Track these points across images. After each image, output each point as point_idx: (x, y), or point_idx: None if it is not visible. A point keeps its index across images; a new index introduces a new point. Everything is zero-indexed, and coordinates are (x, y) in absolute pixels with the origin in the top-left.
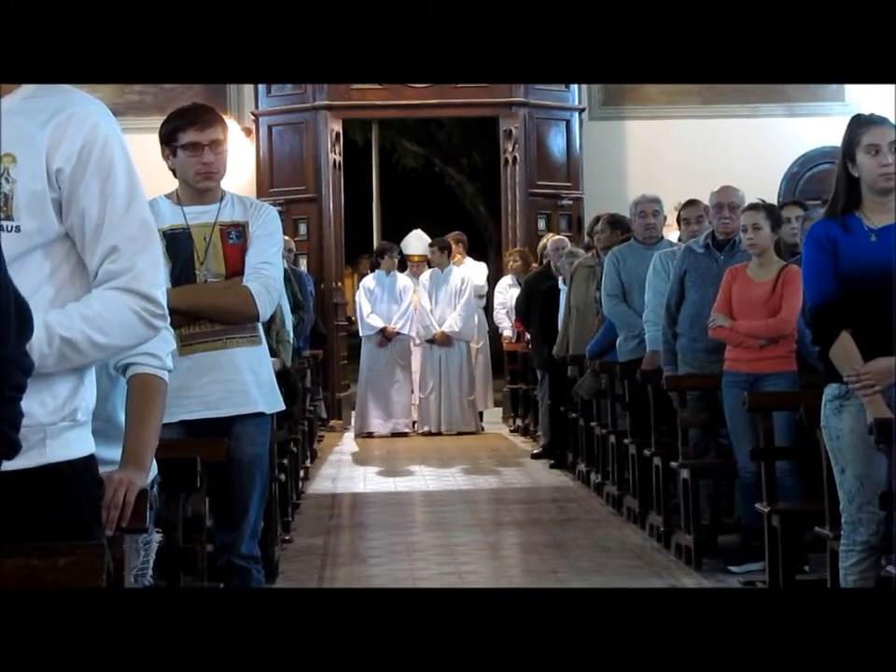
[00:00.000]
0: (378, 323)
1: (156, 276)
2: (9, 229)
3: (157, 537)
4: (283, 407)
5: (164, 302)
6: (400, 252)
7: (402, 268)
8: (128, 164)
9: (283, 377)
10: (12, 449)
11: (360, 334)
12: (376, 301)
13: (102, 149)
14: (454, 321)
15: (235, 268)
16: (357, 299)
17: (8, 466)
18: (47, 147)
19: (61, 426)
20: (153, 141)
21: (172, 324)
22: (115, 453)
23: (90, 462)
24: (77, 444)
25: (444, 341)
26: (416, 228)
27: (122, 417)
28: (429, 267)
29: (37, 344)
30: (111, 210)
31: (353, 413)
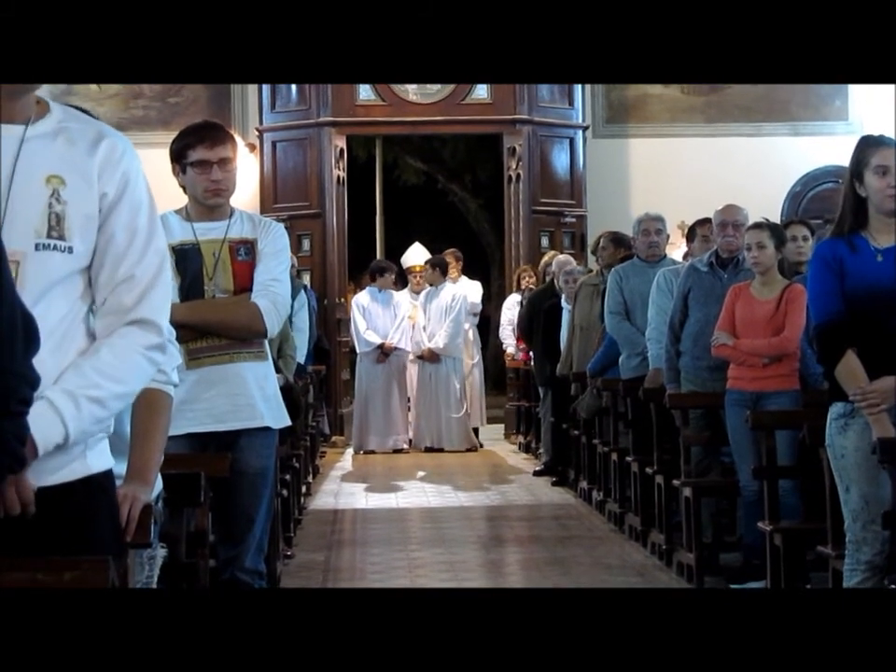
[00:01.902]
0: (376, 339)
1: (165, 307)
2: (62, 249)
3: (161, 552)
4: (289, 422)
5: (167, 334)
6: (399, 269)
7: (403, 284)
8: (151, 199)
9: (285, 393)
10: (18, 463)
11: (357, 351)
12: (371, 317)
13: (136, 182)
14: (439, 338)
15: (243, 284)
16: (351, 316)
17: (54, 479)
18: (98, 171)
19: (98, 436)
20: (157, 156)
21: (180, 338)
22: (122, 466)
23: (112, 473)
24: (107, 455)
25: (431, 357)
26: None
27: (129, 431)
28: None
29: (67, 413)
30: (136, 242)
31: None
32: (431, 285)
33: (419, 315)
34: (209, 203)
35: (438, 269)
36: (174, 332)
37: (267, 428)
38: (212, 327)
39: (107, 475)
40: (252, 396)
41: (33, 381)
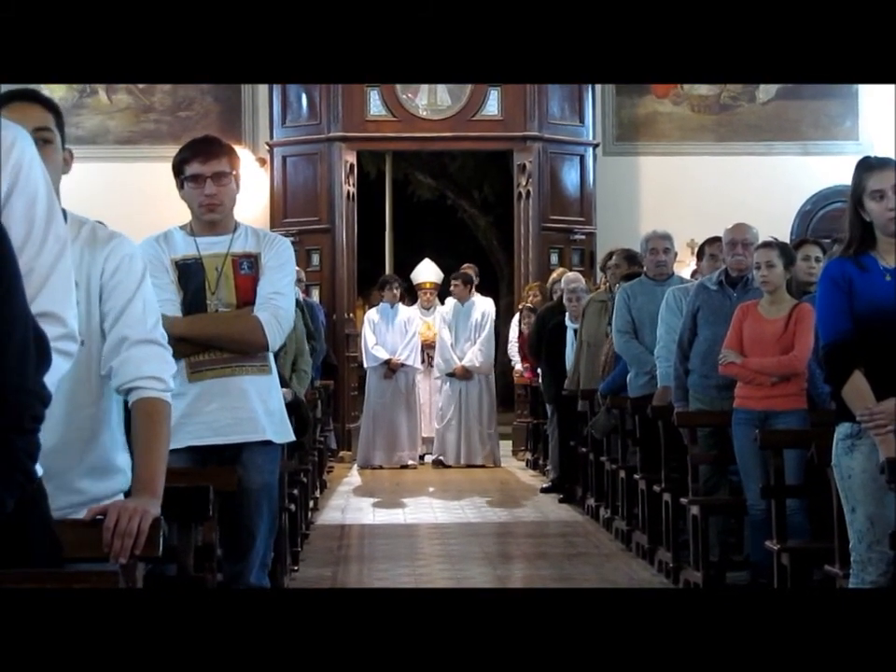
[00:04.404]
0: (383, 355)
1: (67, 296)
2: None
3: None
4: (293, 438)
5: (75, 324)
6: (404, 284)
7: (413, 299)
8: (48, 187)
9: (294, 407)
10: (29, 480)
11: (365, 366)
12: (380, 333)
13: (28, 172)
14: (474, 355)
15: (247, 298)
16: (362, 331)
17: None
18: None
19: None
20: (167, 169)
21: (182, 352)
22: (103, 486)
23: (42, 483)
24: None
25: (465, 374)
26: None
27: (113, 454)
28: (439, 298)
29: None
30: (34, 233)
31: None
32: (459, 300)
33: (445, 332)
34: (204, 218)
35: (468, 285)
36: (166, 336)
37: (269, 443)
38: (212, 340)
39: (38, 486)
40: (254, 409)
41: (45, 398)
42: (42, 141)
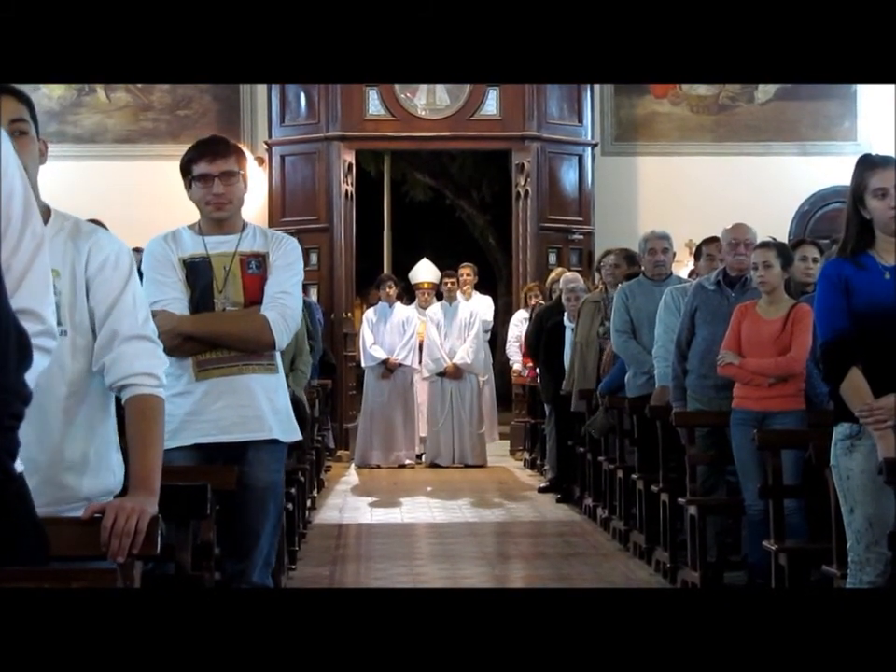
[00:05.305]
0: (380, 354)
1: (45, 293)
2: None
3: None
4: (299, 437)
5: (53, 321)
6: (401, 283)
7: (412, 299)
8: (24, 183)
9: (292, 406)
10: (9, 478)
11: (363, 365)
12: (378, 332)
13: (4, 168)
14: (465, 353)
15: (254, 297)
16: (360, 330)
17: None
18: None
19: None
20: (166, 168)
21: (189, 351)
22: (91, 483)
23: (23, 478)
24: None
25: (455, 374)
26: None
27: (104, 451)
28: (437, 298)
29: None
30: (10, 230)
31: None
32: (444, 297)
33: (433, 332)
34: (213, 216)
35: (457, 284)
36: (156, 331)
37: (276, 441)
38: (219, 339)
39: (21, 483)
40: (260, 408)
41: (25, 396)
42: (18, 132)
